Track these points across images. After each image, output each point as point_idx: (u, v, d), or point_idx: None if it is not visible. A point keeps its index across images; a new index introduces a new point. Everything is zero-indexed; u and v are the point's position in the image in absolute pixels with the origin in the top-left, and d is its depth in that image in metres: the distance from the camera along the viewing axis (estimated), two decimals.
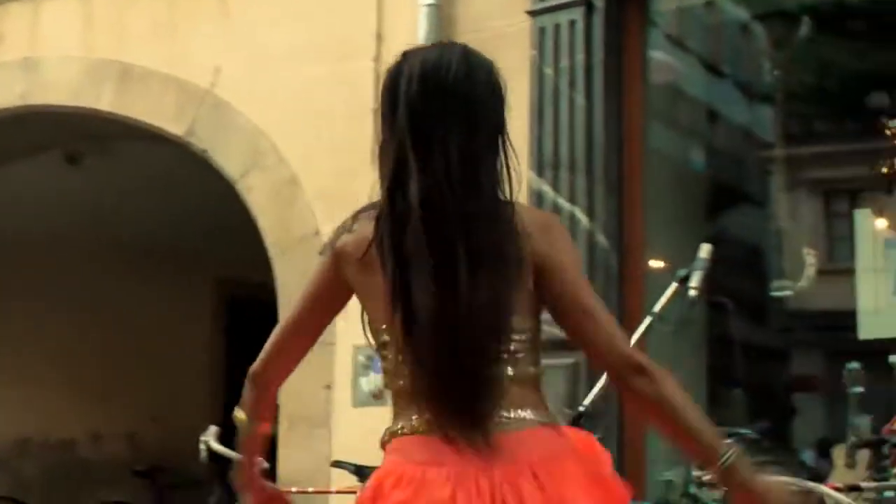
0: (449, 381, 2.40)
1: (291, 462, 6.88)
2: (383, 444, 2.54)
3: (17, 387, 10.66)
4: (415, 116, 2.47)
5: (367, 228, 2.52)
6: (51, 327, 10.76)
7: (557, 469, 2.44)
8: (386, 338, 2.52)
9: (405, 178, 2.44)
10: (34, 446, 11.13)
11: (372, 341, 2.58)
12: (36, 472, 11.10)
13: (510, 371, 2.46)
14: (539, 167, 6.30)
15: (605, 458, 2.64)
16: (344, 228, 2.60)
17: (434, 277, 2.38)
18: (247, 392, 2.82)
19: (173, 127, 7.66)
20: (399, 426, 2.50)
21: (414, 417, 2.47)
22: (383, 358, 2.55)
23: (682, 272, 4.10)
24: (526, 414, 2.46)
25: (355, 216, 2.60)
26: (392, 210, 2.46)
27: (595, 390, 4.02)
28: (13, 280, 10.56)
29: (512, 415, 2.44)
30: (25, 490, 10.80)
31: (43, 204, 10.10)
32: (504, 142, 2.54)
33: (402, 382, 2.50)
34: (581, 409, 3.87)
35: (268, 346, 2.78)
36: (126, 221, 10.57)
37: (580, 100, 6.28)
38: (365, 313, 2.58)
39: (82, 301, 10.93)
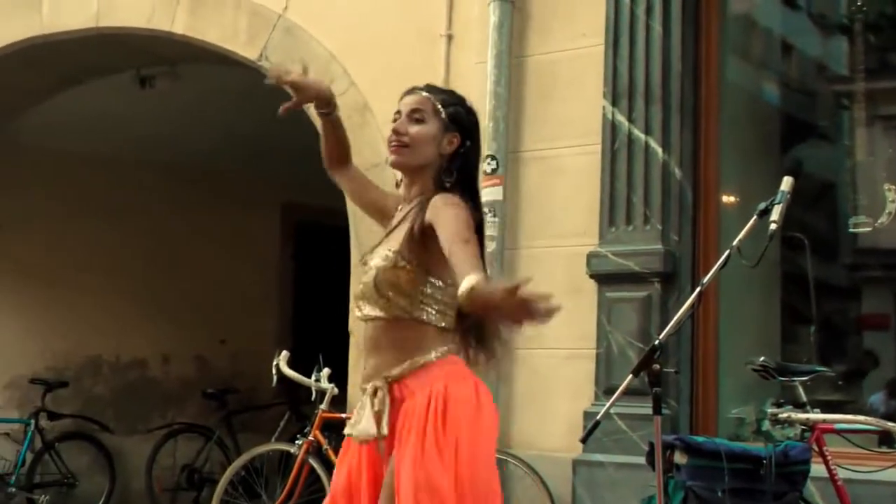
0: None
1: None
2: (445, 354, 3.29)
3: (87, 307, 10.81)
4: None
5: None
6: (119, 250, 10.86)
7: None
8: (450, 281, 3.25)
9: None
10: (105, 366, 11.28)
11: (441, 281, 3.31)
12: (106, 391, 11.27)
13: None
14: (614, 96, 6.21)
15: None
16: None
17: None
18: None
19: (245, 51, 7.63)
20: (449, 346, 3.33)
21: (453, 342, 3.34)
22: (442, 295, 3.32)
23: (762, 205, 4.02)
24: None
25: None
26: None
27: (671, 325, 3.96)
28: (81, 200, 10.66)
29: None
30: (96, 409, 10.99)
31: (113, 125, 10.16)
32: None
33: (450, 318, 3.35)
34: (656, 343, 3.80)
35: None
36: (196, 145, 10.60)
37: (657, 27, 6.16)
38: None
39: (151, 224, 11.01)
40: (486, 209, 6.44)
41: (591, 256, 6.15)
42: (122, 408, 11.24)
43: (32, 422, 10.04)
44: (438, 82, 6.95)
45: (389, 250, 3.29)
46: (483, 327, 3.35)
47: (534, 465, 6.12)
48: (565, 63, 6.49)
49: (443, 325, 3.31)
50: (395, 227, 3.40)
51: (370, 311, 3.32)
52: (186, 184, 11.17)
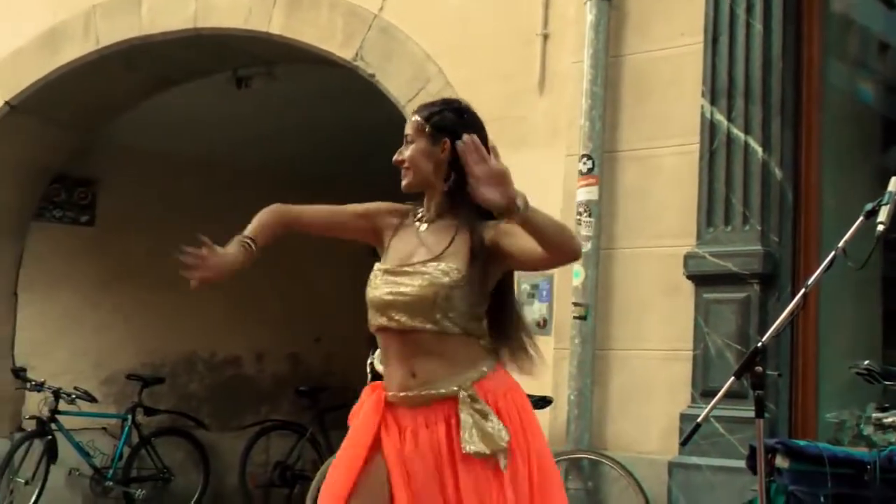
0: None
1: None
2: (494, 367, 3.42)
3: (184, 306, 10.93)
4: None
5: None
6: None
7: None
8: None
9: None
10: (200, 363, 11.42)
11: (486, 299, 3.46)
12: (202, 388, 11.41)
13: None
14: (713, 95, 6.14)
15: None
16: None
17: None
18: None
19: (341, 51, 7.67)
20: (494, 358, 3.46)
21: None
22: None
23: (868, 206, 3.94)
24: None
25: None
26: None
27: (774, 327, 3.90)
28: (178, 200, 10.79)
29: None
30: (191, 405, 11.14)
31: (209, 125, 10.27)
32: None
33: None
34: (758, 345, 3.74)
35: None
36: (291, 146, 10.68)
37: (757, 26, 6.07)
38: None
39: (247, 224, 11.09)
40: (580, 209, 6.43)
41: (688, 257, 6.08)
42: (216, 404, 11.38)
43: (129, 417, 10.20)
44: (534, 82, 6.98)
45: (452, 268, 3.36)
46: (511, 339, 3.50)
47: (629, 468, 6.07)
48: (663, 62, 6.44)
49: (484, 340, 3.45)
50: (423, 242, 3.50)
51: (410, 321, 3.38)
52: (282, 184, 11.18)
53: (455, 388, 3.32)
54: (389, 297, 3.42)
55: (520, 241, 3.26)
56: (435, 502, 3.27)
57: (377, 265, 3.57)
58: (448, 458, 3.29)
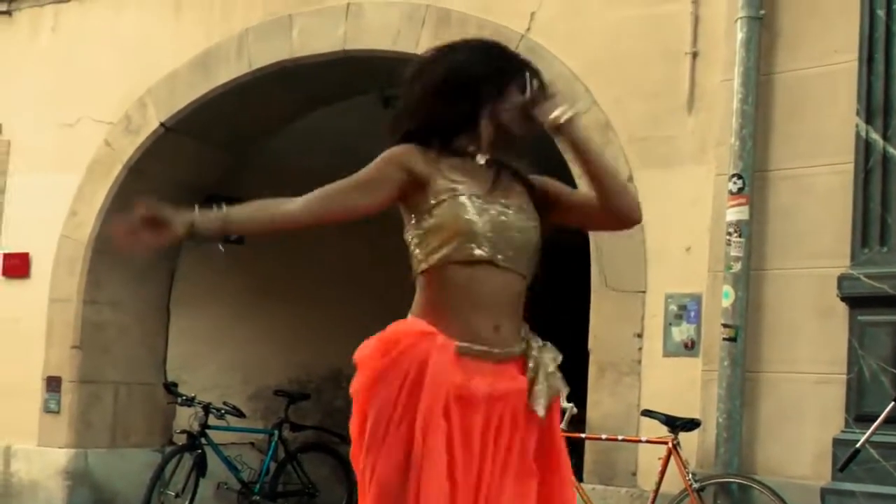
0: None
1: (601, 408, 6.88)
2: None
3: (328, 321, 11.08)
4: None
5: None
6: (358, 263, 11.04)
7: None
8: None
9: None
10: (345, 379, 11.51)
11: None
12: (346, 404, 11.45)
13: None
14: (868, 114, 6.02)
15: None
16: None
17: None
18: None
19: None
20: None
21: None
22: None
23: None
24: None
25: None
26: None
27: None
28: None
29: None
30: (336, 421, 11.25)
31: (357, 144, 10.34)
32: None
33: None
34: None
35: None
36: None
37: None
38: None
39: (388, 237, 11.18)
40: (730, 229, 6.35)
41: (842, 278, 5.96)
42: None
43: (276, 432, 10.34)
44: (682, 100, 6.93)
45: (535, 216, 3.13)
46: None
47: (780, 493, 5.96)
48: (816, 80, 6.33)
49: None
50: (494, 178, 3.12)
51: (514, 262, 3.04)
52: None
53: (523, 347, 3.08)
54: (501, 227, 3.02)
55: (573, 195, 3.17)
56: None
57: (454, 188, 3.05)
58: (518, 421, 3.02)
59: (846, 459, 3.98)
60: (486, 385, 2.97)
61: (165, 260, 10.42)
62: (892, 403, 3.77)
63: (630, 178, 6.97)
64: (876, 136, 5.97)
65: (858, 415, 5.74)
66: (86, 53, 9.85)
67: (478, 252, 2.99)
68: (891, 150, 5.91)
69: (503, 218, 3.04)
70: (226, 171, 10.40)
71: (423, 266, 3.09)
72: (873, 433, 3.96)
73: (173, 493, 9.42)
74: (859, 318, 5.91)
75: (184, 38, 9.27)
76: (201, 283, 10.76)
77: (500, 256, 3.01)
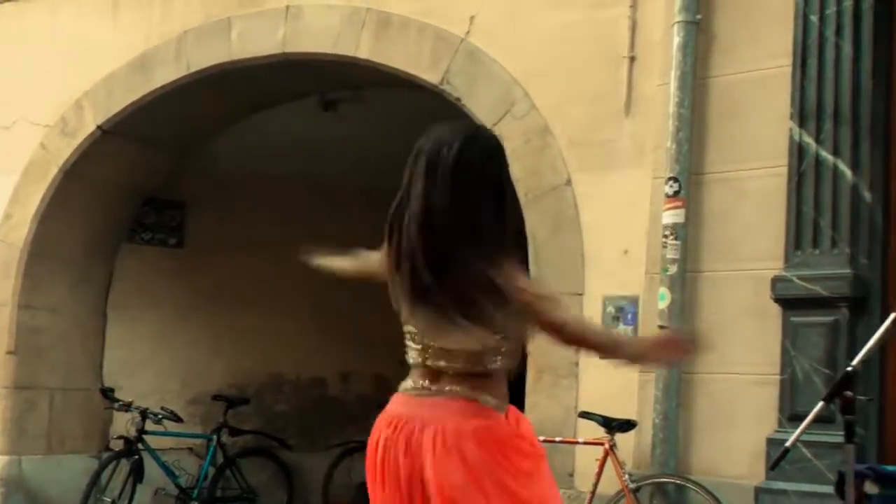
0: None
1: (539, 410, 6.89)
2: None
3: (270, 327, 11.04)
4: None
5: None
6: (303, 272, 11.01)
7: (452, 440, 3.02)
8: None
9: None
10: (286, 384, 11.52)
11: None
12: (287, 408, 11.49)
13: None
14: (801, 118, 6.09)
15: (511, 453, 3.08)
16: None
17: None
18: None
19: (428, 75, 7.73)
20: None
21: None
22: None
23: None
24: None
25: None
26: None
27: (864, 351, 3.86)
28: (268, 223, 10.90)
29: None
30: (276, 426, 11.22)
31: (297, 148, 10.37)
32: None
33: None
34: (849, 369, 3.70)
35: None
36: (376, 168, 10.74)
37: (847, 48, 6.03)
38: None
39: (330, 245, 11.17)
40: (666, 232, 6.41)
41: (775, 280, 6.03)
42: (301, 425, 11.45)
43: (215, 437, 10.28)
44: (620, 104, 6.98)
45: None
46: None
47: (715, 492, 6.01)
48: (750, 84, 6.40)
49: None
50: None
51: None
52: (365, 204, 11.32)
53: None
54: None
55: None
56: None
57: None
58: None
59: (777, 458, 4.02)
60: None
61: (103, 263, 10.33)
62: (821, 403, 3.82)
63: (568, 182, 7.02)
64: (809, 140, 6.04)
65: (792, 415, 5.81)
66: (22, 55, 9.75)
67: None
68: (823, 153, 5.99)
69: None
70: (164, 174, 10.34)
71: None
72: (803, 432, 4.00)
73: (110, 500, 9.34)
74: (792, 319, 5.98)
75: (122, 40, 9.19)
76: (140, 287, 10.69)
77: None
